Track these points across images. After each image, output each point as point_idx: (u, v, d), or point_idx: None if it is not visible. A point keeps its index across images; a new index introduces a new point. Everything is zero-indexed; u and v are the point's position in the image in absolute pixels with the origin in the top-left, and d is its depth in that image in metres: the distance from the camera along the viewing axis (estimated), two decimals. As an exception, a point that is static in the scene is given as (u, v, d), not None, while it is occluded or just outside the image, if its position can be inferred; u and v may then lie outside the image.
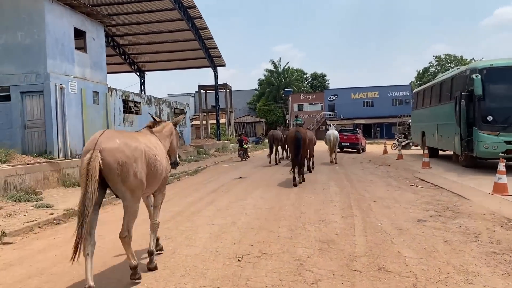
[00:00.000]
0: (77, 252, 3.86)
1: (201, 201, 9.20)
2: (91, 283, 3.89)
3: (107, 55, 36.03)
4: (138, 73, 38.07)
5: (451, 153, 17.60)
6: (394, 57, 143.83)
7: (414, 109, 24.67)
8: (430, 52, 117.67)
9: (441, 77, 19.63)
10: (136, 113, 21.14)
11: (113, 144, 4.13)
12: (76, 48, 16.46)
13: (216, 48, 34.51)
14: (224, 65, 37.77)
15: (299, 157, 12.16)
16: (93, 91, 17.13)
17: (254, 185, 12.44)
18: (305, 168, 14.46)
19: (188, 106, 29.11)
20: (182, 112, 27.98)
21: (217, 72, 37.59)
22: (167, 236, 6.32)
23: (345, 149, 28.93)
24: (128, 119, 19.95)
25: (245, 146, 24.16)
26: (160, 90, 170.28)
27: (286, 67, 79.92)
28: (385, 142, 27.72)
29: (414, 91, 25.30)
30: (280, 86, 75.65)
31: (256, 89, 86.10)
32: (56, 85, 14.57)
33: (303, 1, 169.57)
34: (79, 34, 16.70)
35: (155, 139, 4.95)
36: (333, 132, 19.45)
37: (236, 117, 76.55)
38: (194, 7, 28.64)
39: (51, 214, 8.52)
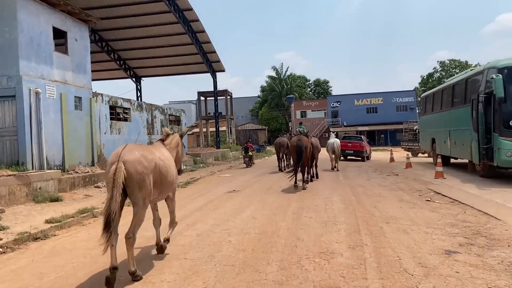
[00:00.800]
0: (107, 245, 4.57)
1: (181, 223, 7.73)
2: (116, 264, 4.67)
3: (101, 61, 35.08)
4: (134, 79, 36.83)
5: (465, 161, 16.18)
6: (396, 65, 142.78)
7: (422, 115, 23.19)
8: (432, 59, 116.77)
9: (453, 79, 18.17)
10: (126, 120, 19.76)
11: (134, 156, 4.84)
12: (57, 49, 15.14)
13: (215, 52, 33.22)
14: (223, 71, 36.47)
15: (299, 165, 12.56)
16: (75, 96, 15.76)
17: (248, 201, 10.98)
18: (309, 175, 14.46)
19: (184, 113, 27.73)
20: (178, 119, 26.62)
21: (216, 78, 36.29)
22: (120, 278, 4.85)
23: (349, 157, 27.45)
24: (116, 126, 18.57)
25: (250, 153, 24.68)
26: (161, 97, 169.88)
27: (288, 73, 78.77)
28: (391, 149, 26.25)
29: (422, 96, 23.85)
30: (282, 93, 74.31)
31: (258, 96, 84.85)
32: (30, 89, 13.20)
33: (306, 10, 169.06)
34: (60, 35, 15.38)
35: (167, 152, 5.77)
36: (335, 141, 19.69)
37: (238, 125, 75.38)
38: (191, 9, 27.36)
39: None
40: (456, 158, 17.77)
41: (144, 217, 5.04)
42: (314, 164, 15.42)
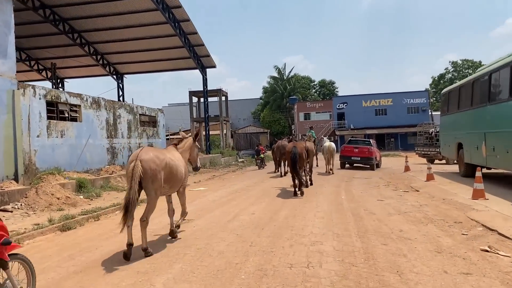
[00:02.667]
0: (124, 226, 5.86)
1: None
2: (132, 241, 5.91)
3: (76, 56, 31.31)
4: (115, 76, 33.04)
5: (498, 171, 12.11)
6: (405, 68, 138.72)
7: (444, 114, 19.02)
8: (440, 63, 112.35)
9: (491, 65, 14.00)
10: (74, 119, 15.86)
11: (149, 156, 6.16)
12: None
13: (203, 45, 29.33)
14: (214, 67, 32.60)
15: (297, 171, 12.40)
16: (-13, 88, 11.92)
17: (173, 258, 7.00)
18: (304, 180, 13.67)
19: (162, 113, 23.77)
20: (153, 120, 22.67)
21: (206, 75, 32.42)
22: None
23: (355, 165, 23.33)
24: (56, 127, 14.70)
25: (262, 155, 25.90)
26: (158, 100, 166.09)
27: (291, 74, 74.70)
28: (406, 156, 22.10)
29: (444, 91, 19.70)
30: (285, 94, 70.23)
31: (260, 98, 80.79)
32: None
33: (314, 13, 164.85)
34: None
35: (178, 154, 7.09)
36: (330, 144, 20.53)
37: (239, 128, 71.44)
38: (171, -7, 23.59)
39: None
40: (489, 168, 13.74)
41: (156, 205, 6.33)
42: (309, 169, 15.17)
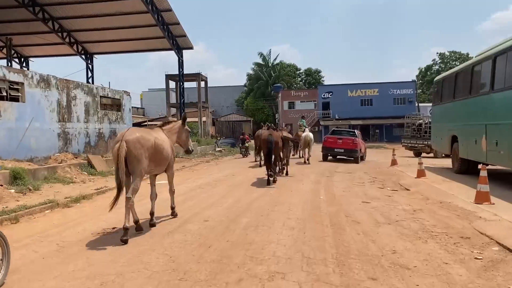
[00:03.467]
0: (114, 205, 6.22)
1: None
2: (128, 225, 6.05)
3: (40, 32, 28.67)
4: (84, 56, 30.56)
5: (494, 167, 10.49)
6: (391, 60, 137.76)
7: (436, 104, 17.34)
8: (427, 56, 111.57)
9: (492, 49, 12.22)
10: (15, 99, 13.65)
11: (134, 137, 6.24)
12: None
13: (178, 24, 27.06)
14: (191, 48, 30.43)
15: (271, 159, 12.47)
16: None
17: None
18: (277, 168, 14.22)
19: (129, 96, 21.54)
20: (117, 103, 20.47)
21: (182, 56, 30.20)
22: None
23: (338, 157, 21.57)
24: (-11, 108, 12.48)
25: (246, 144, 26.98)
26: (141, 86, 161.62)
27: (277, 61, 72.53)
28: (393, 149, 20.42)
29: (437, 78, 17.98)
30: (269, 81, 68.16)
31: (244, 85, 78.54)
32: None
33: (302, 3, 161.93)
34: None
35: (163, 135, 7.15)
36: (307, 134, 20.09)
37: (221, 115, 69.21)
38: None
39: None
40: (486, 164, 12.08)
41: (140, 185, 6.40)
42: (286, 159, 15.13)
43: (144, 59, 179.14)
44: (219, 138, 38.61)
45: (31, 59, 32.35)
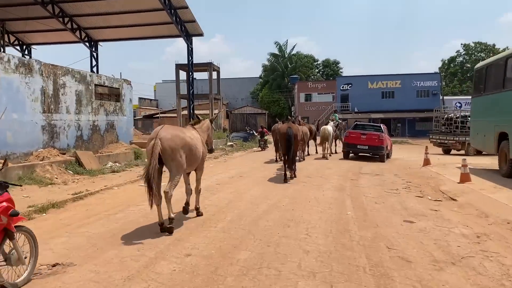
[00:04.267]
0: (151, 202, 6.10)
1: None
2: (162, 220, 6.23)
3: (38, 18, 26.55)
4: (87, 43, 28.71)
5: None
6: (411, 53, 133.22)
7: (478, 95, 14.87)
8: (447, 48, 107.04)
9: None
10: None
11: (168, 135, 6.25)
12: None
13: (187, 8, 24.91)
14: (201, 34, 28.24)
15: (290, 154, 11.85)
16: None
17: None
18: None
19: (129, 85, 19.52)
20: (116, 93, 18.49)
21: (191, 44, 28.10)
22: None
23: (361, 154, 19.24)
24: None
25: (265, 137, 26.38)
26: (156, 77, 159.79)
27: (294, 52, 69.82)
28: (426, 147, 17.87)
29: (479, 65, 15.49)
30: (286, 73, 65.55)
31: (260, 77, 76.04)
32: None
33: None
34: None
35: (196, 133, 7.15)
36: (325, 127, 19.42)
37: (236, 108, 67.01)
38: None
39: None
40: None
41: (178, 182, 6.43)
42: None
43: (160, 51, 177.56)
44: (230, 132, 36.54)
45: (33, 46, 30.65)
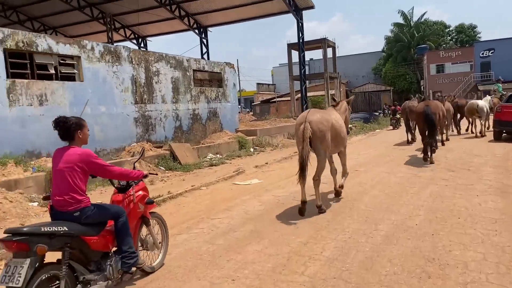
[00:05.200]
0: (301, 181, 6.21)
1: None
2: (305, 199, 6.33)
3: (147, 8, 26.81)
4: (197, 30, 28.16)
5: None
6: None
7: None
8: None
9: None
10: (67, 78, 10.86)
11: (316, 118, 6.39)
12: None
13: (295, -23, 22.42)
14: (312, 7, 25.57)
15: (432, 135, 10.68)
16: None
17: None
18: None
19: (232, 68, 17.86)
20: (218, 78, 17.00)
21: (301, 19, 25.61)
22: None
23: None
24: (28, 90, 9.77)
25: (398, 115, 24.72)
26: (277, 61, 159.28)
27: (421, 19, 62.34)
28: None
29: None
30: (412, 43, 58.83)
31: (382, 51, 69.97)
32: None
33: None
34: None
35: (338, 115, 7.17)
36: (472, 102, 16.15)
37: (356, 86, 62.69)
38: None
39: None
40: None
41: (325, 164, 6.68)
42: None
43: (281, 36, 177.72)
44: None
45: (148, 38, 31.25)
